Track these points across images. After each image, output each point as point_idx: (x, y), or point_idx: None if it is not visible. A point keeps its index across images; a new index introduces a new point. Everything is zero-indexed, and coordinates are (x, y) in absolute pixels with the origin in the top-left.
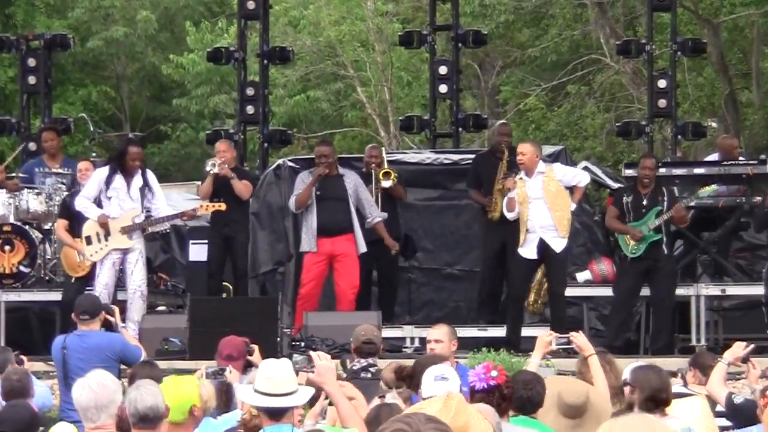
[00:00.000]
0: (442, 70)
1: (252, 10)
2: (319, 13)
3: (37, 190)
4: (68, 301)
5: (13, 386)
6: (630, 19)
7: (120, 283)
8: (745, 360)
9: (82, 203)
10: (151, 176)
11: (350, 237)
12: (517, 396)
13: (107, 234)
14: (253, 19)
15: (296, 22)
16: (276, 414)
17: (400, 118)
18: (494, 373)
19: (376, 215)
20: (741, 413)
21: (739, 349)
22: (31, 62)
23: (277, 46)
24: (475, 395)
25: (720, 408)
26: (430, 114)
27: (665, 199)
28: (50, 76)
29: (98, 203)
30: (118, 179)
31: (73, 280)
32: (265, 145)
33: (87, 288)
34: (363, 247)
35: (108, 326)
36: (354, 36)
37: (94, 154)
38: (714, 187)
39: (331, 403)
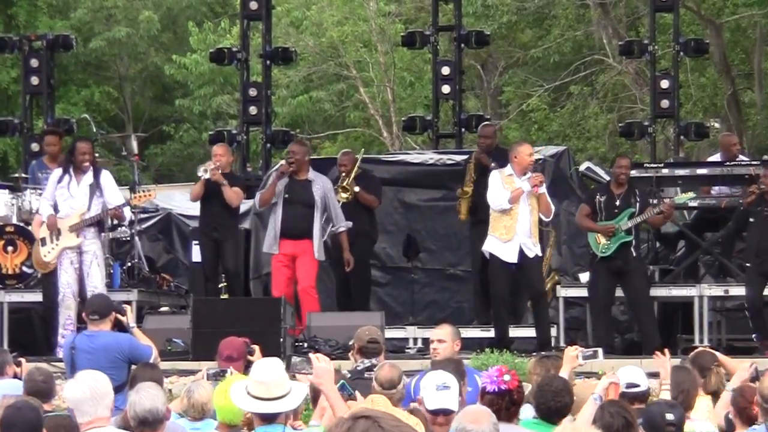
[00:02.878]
0: (445, 70)
1: (254, 10)
2: (322, 14)
3: (39, 191)
4: (45, 297)
5: (39, 387)
6: (632, 19)
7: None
8: (753, 380)
9: (41, 204)
10: (104, 174)
11: (310, 242)
12: (545, 406)
13: (58, 234)
14: (256, 20)
15: (299, 23)
16: (267, 418)
17: (403, 118)
18: (507, 377)
19: (340, 224)
20: None
21: (744, 372)
22: (34, 63)
23: (279, 46)
24: (484, 396)
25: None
26: (432, 114)
27: (638, 201)
28: (53, 76)
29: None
30: (67, 178)
31: (39, 275)
32: (268, 145)
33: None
34: (320, 255)
35: (120, 326)
36: (356, 36)
37: (96, 155)
38: (691, 194)
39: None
